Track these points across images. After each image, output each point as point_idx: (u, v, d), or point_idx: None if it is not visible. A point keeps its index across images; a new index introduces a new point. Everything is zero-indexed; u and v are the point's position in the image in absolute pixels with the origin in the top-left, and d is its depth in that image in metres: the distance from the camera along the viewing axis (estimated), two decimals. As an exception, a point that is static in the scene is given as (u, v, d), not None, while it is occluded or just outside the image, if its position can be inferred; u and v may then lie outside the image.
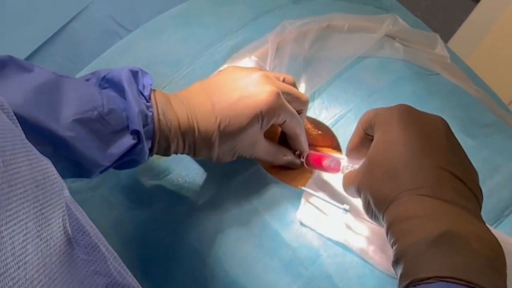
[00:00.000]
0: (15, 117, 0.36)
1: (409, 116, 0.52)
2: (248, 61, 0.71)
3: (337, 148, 0.69)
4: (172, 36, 0.73)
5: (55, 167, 0.54)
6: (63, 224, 0.34)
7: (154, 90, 0.61)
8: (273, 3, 0.79)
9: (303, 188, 0.64)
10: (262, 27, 0.75)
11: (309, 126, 0.70)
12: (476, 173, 0.51)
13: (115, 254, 0.37)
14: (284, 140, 0.67)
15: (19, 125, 0.36)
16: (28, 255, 0.29)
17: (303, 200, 0.63)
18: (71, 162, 0.55)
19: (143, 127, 0.57)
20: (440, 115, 0.70)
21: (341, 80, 0.73)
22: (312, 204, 0.63)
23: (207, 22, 0.75)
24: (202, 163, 0.67)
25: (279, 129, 0.67)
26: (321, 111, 0.71)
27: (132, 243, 0.67)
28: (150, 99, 0.59)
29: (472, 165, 0.51)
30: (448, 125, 0.53)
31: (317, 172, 0.66)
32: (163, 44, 0.73)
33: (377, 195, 0.50)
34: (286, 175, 0.66)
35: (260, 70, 0.64)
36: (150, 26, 0.73)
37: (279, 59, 0.73)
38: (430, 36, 0.82)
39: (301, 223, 0.62)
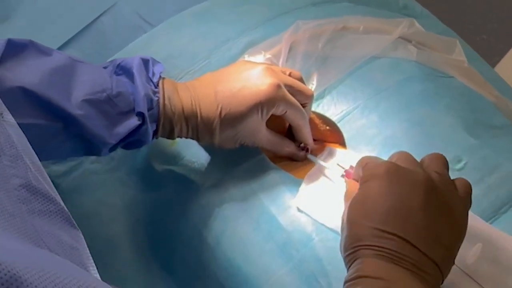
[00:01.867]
0: None
1: (392, 175, 0.53)
2: (262, 58, 0.75)
3: (343, 144, 0.72)
4: (192, 31, 0.78)
5: (67, 144, 0.60)
6: None
7: (163, 78, 0.65)
8: (292, 4, 0.82)
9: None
10: (279, 26, 0.78)
11: (317, 121, 0.73)
12: (455, 237, 0.53)
13: (41, 167, 0.42)
14: (291, 132, 0.70)
15: None
16: None
17: (302, 186, 0.66)
18: (81, 139, 0.60)
19: (149, 110, 0.61)
20: (445, 114, 0.72)
21: (352, 79, 0.75)
22: (311, 191, 0.66)
23: (227, 19, 0.79)
24: (210, 151, 0.71)
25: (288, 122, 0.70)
26: (329, 107, 0.74)
27: (144, 223, 0.72)
28: (158, 85, 0.63)
29: (452, 229, 0.52)
30: (431, 185, 0.53)
31: (318, 164, 0.68)
32: (183, 39, 0.77)
33: (345, 249, 0.53)
34: (289, 165, 0.69)
35: (267, 64, 0.68)
36: (171, 22, 0.78)
37: (293, 58, 0.76)
38: (448, 41, 0.83)
39: (298, 209, 0.65)
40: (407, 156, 0.56)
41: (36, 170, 0.41)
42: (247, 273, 0.63)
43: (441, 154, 0.57)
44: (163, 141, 0.72)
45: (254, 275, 0.63)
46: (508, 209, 0.64)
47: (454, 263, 0.53)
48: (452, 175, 0.66)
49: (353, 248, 0.52)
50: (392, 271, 0.49)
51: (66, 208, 0.41)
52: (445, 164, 0.56)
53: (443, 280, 0.52)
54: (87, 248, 0.40)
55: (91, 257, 0.40)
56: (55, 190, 0.42)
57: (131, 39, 0.78)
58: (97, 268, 0.69)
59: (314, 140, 0.71)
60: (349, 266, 0.52)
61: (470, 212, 0.56)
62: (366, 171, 0.55)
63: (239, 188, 0.67)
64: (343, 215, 0.56)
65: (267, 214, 0.65)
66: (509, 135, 0.74)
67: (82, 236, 0.41)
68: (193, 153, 0.71)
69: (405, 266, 0.49)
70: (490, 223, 0.63)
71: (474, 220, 0.59)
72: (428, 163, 0.56)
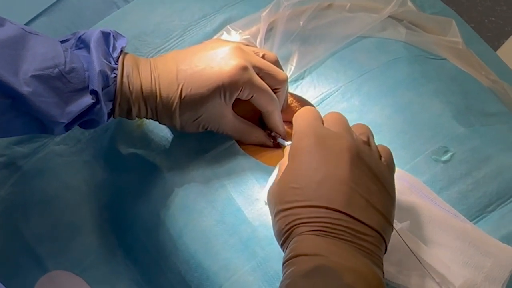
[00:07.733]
0: None
1: (318, 145, 0.46)
2: (238, 38, 0.64)
3: (322, 129, 0.61)
4: (168, 8, 0.67)
5: (17, 121, 0.51)
6: None
7: (125, 53, 0.55)
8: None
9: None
10: (260, 2, 0.67)
11: (295, 104, 0.62)
12: (387, 202, 0.47)
13: None
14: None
15: None
16: None
17: (271, 177, 0.56)
18: (32, 118, 0.51)
19: (104, 88, 0.52)
20: (433, 100, 0.60)
21: (334, 60, 0.64)
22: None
23: (206, -4, 0.68)
24: (180, 136, 0.61)
25: None
26: (308, 89, 0.63)
27: (110, 209, 0.63)
28: (118, 61, 0.53)
29: (383, 195, 0.46)
30: (356, 153, 0.46)
31: (292, 151, 0.58)
32: (157, 16, 0.67)
33: (280, 232, 0.46)
34: (260, 152, 0.59)
35: (241, 44, 0.57)
36: (147, -3, 0.68)
37: (272, 38, 0.65)
38: (443, 21, 0.71)
39: (266, 202, 0.54)
40: (338, 117, 0.49)
41: None
42: (208, 269, 0.54)
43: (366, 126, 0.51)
44: (130, 124, 0.62)
45: (215, 271, 0.53)
46: (495, 208, 0.53)
47: (392, 229, 0.47)
48: (438, 167, 0.55)
49: (288, 227, 0.44)
50: (330, 246, 0.43)
51: None
52: (371, 133, 0.50)
53: (386, 246, 0.46)
54: None
55: None
56: None
57: (104, 15, 0.67)
58: (58, 254, 0.60)
59: (289, 122, 0.60)
60: (286, 248, 0.44)
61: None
62: (295, 140, 0.48)
63: (205, 176, 0.57)
64: (269, 194, 0.48)
65: (233, 206, 0.55)
66: (503, 123, 0.62)
67: None
68: (161, 137, 0.61)
69: (344, 238, 0.43)
70: (475, 223, 0.52)
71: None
72: (356, 130, 0.50)
